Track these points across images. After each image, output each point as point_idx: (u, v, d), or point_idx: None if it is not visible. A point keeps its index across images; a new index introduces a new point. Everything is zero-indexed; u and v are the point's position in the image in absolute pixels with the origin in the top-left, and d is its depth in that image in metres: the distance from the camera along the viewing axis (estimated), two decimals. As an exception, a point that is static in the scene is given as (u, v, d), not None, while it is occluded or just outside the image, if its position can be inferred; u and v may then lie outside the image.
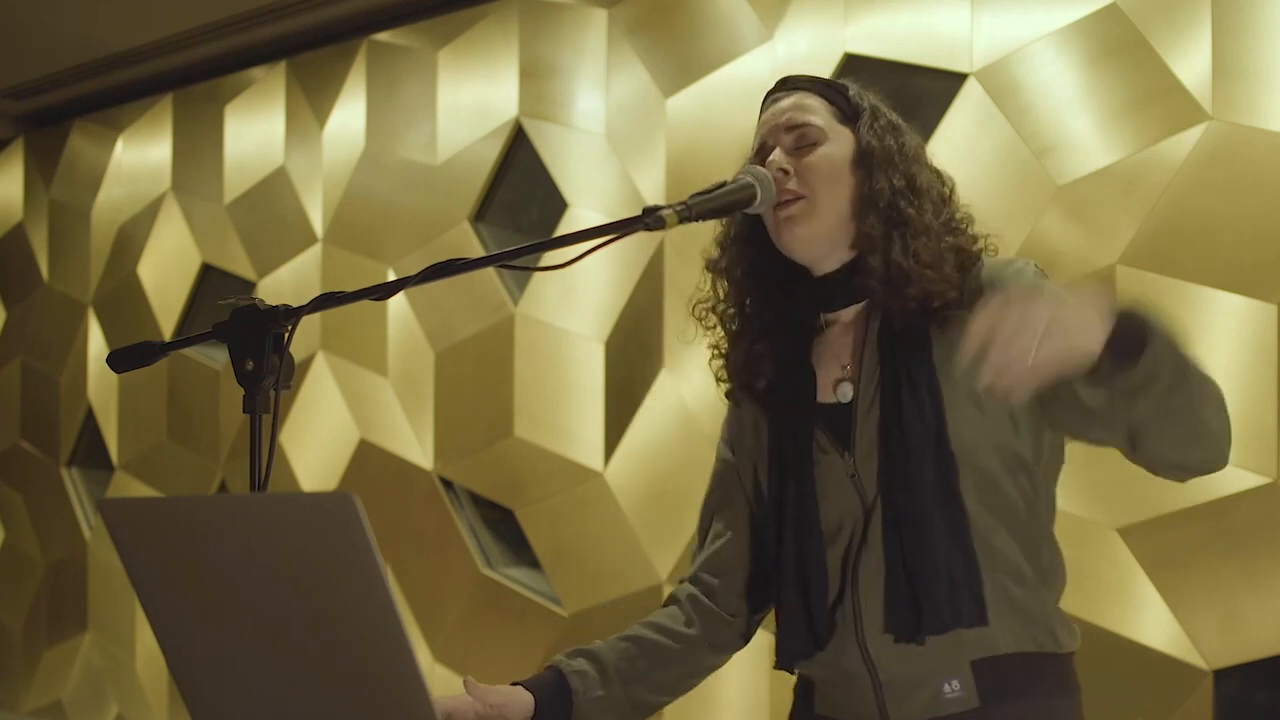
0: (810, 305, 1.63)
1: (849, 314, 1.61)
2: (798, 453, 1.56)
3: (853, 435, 1.54)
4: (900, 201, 1.54)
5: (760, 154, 1.60)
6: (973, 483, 1.49)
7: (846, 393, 1.57)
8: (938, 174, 1.61)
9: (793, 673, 1.63)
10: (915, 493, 1.48)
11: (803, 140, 1.57)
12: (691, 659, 1.66)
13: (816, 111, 1.59)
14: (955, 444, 1.49)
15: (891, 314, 1.54)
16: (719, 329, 1.66)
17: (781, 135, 1.58)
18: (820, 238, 1.56)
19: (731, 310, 1.65)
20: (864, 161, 1.56)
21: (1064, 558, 1.57)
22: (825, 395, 1.59)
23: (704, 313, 1.67)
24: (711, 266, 1.67)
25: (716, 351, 1.67)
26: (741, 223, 1.65)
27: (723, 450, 1.72)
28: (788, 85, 1.64)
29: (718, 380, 1.68)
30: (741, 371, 1.63)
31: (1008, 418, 1.51)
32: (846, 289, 1.59)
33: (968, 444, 1.49)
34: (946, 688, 1.49)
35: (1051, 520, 1.58)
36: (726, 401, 1.70)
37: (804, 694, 1.64)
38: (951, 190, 1.61)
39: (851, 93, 1.61)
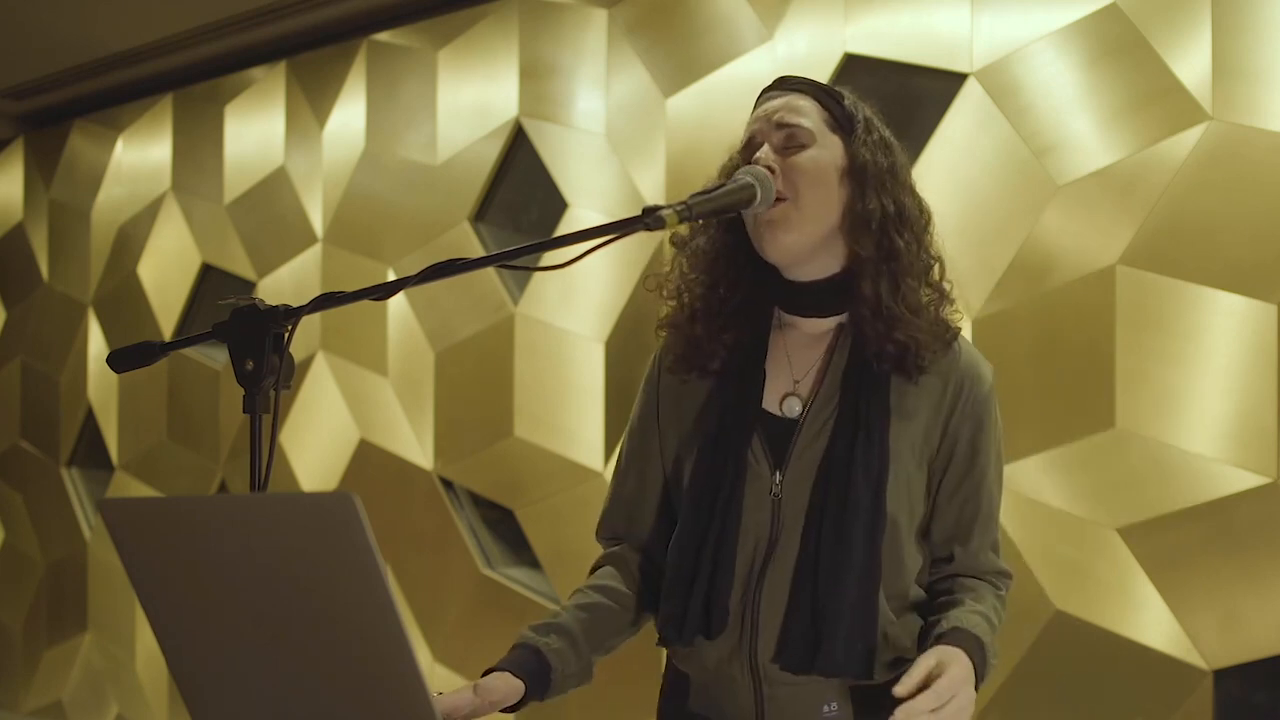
0: (774, 302, 1.63)
1: (815, 326, 1.62)
2: (734, 455, 1.57)
3: (788, 456, 1.56)
4: (891, 230, 1.56)
5: (748, 149, 1.60)
6: (887, 542, 1.54)
7: (793, 408, 1.58)
8: (920, 203, 1.62)
9: (673, 659, 1.66)
10: (844, 541, 1.51)
11: (791, 141, 1.57)
12: (632, 615, 1.69)
13: (808, 114, 1.58)
14: (888, 504, 1.53)
15: (868, 353, 1.56)
16: (674, 303, 1.66)
17: (771, 133, 1.58)
18: (801, 247, 1.56)
19: (699, 290, 1.64)
20: (855, 175, 1.56)
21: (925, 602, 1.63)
22: (769, 403, 1.59)
23: (662, 285, 1.67)
24: (680, 244, 1.67)
25: (665, 323, 1.66)
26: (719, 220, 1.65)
27: (646, 401, 1.72)
28: (783, 84, 1.64)
29: (666, 351, 1.68)
30: (699, 352, 1.63)
31: (924, 488, 1.58)
32: (823, 301, 1.59)
33: (893, 504, 1.54)
34: (825, 709, 1.55)
35: (924, 576, 1.64)
36: (664, 368, 1.69)
37: (676, 688, 1.67)
38: (929, 221, 1.62)
39: (846, 101, 1.61)
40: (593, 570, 1.73)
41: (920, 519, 1.59)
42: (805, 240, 1.55)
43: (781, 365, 1.61)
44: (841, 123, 1.59)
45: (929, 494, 1.60)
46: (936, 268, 1.61)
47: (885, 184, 1.57)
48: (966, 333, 3.10)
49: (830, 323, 1.61)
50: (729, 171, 1.64)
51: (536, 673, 1.55)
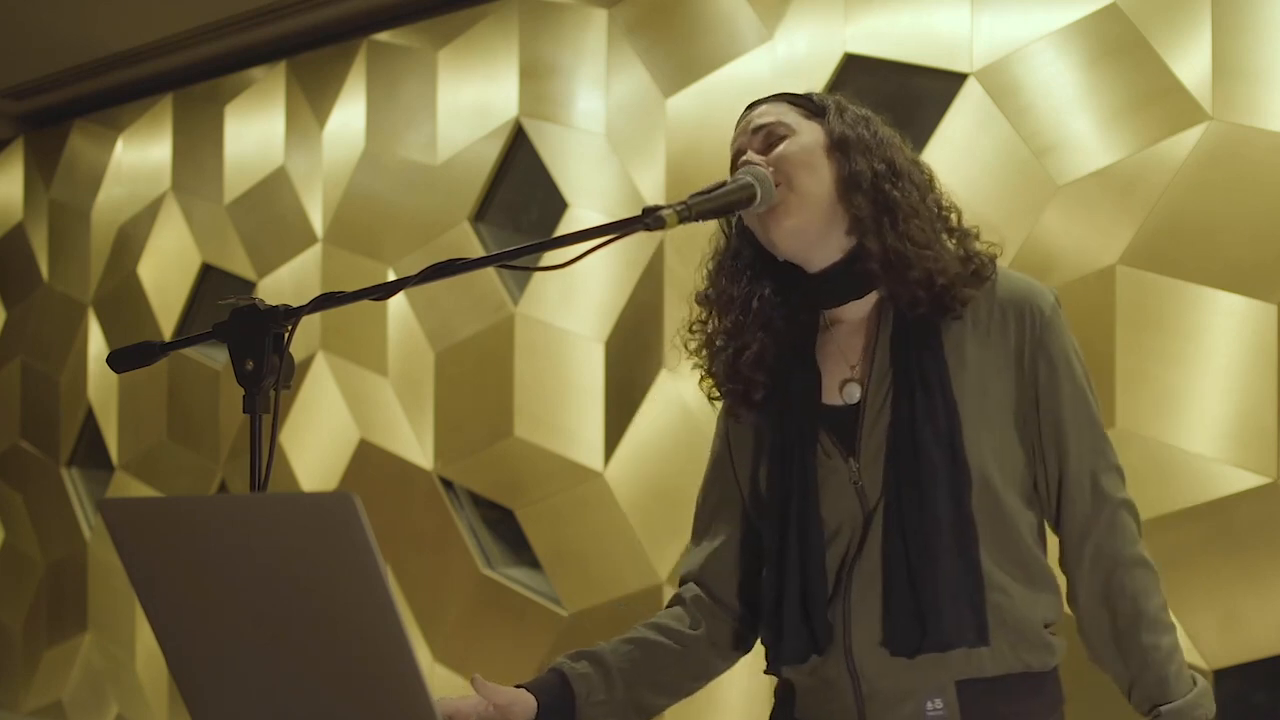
0: (812, 304, 1.61)
1: (857, 312, 1.59)
2: (801, 456, 1.54)
3: (858, 440, 1.53)
4: (884, 184, 1.54)
5: (734, 163, 1.60)
6: (979, 497, 1.48)
7: (854, 394, 1.55)
8: (916, 161, 1.61)
9: (777, 672, 1.62)
10: (927, 505, 1.46)
11: (771, 138, 1.58)
12: (695, 660, 1.65)
13: (781, 114, 1.60)
14: (968, 455, 1.48)
15: (901, 305, 1.53)
16: (703, 352, 1.64)
17: (750, 139, 1.59)
18: (808, 229, 1.54)
19: (717, 329, 1.62)
20: (839, 147, 1.56)
21: (1054, 575, 1.56)
22: (830, 396, 1.57)
23: (688, 340, 1.65)
24: (700, 300, 1.65)
25: (704, 371, 1.64)
26: (725, 250, 1.65)
27: (718, 445, 1.70)
28: (754, 104, 1.65)
29: (710, 399, 1.66)
30: (736, 385, 1.60)
31: (1015, 436, 1.52)
32: (848, 280, 1.57)
33: (977, 456, 1.48)
34: (929, 705, 1.49)
35: (1042, 541, 1.58)
36: (727, 414, 1.67)
37: (784, 698, 1.63)
38: (932, 178, 1.60)
39: (815, 95, 1.63)
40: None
41: (1022, 471, 1.53)
42: (809, 222, 1.54)
43: (835, 359, 1.59)
44: (814, 111, 1.60)
45: (1031, 442, 1.53)
46: (954, 216, 1.58)
47: (870, 147, 1.56)
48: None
49: (870, 303, 1.58)
50: None
51: (558, 695, 1.53)
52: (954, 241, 1.56)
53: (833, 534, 1.53)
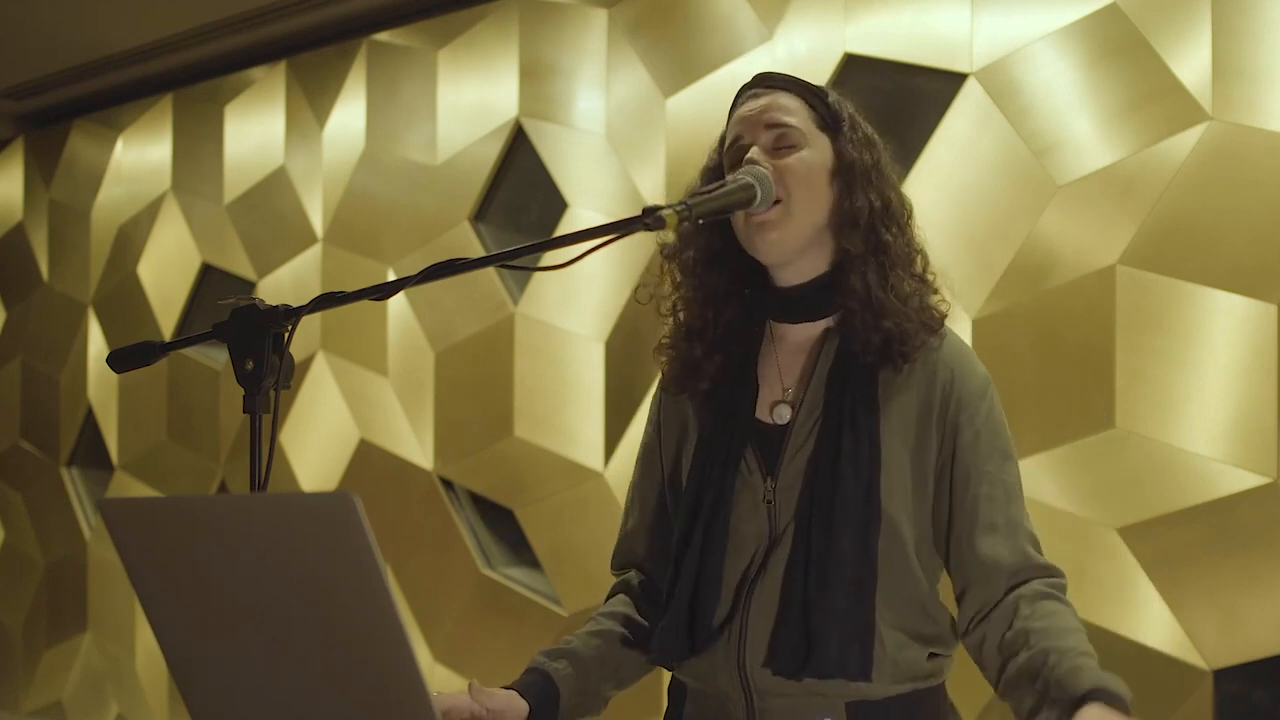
0: (765, 313, 1.62)
1: (805, 333, 1.60)
2: (723, 465, 1.56)
3: (779, 462, 1.54)
4: (879, 224, 1.55)
5: (735, 150, 1.58)
6: (886, 540, 1.50)
7: (784, 415, 1.57)
8: (902, 197, 1.61)
9: (670, 669, 1.64)
10: (834, 539, 1.48)
11: (782, 141, 1.56)
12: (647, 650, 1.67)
13: (796, 113, 1.57)
14: (882, 499, 1.50)
15: (854, 344, 1.54)
16: (670, 321, 1.65)
17: (760, 132, 1.57)
18: (791, 245, 1.55)
19: (694, 309, 1.62)
20: (843, 174, 1.56)
21: (946, 612, 1.58)
22: (762, 412, 1.58)
23: (657, 301, 1.66)
24: (671, 255, 1.64)
25: (666, 344, 1.65)
26: (701, 239, 1.63)
27: (649, 432, 1.71)
28: (765, 82, 1.62)
29: (664, 372, 1.67)
30: (688, 372, 1.62)
31: (929, 494, 1.54)
32: (813, 303, 1.58)
33: (891, 505, 1.50)
34: None
35: (937, 589, 1.59)
36: (662, 388, 1.68)
37: (677, 698, 1.64)
38: (910, 214, 1.61)
39: (830, 99, 1.60)
40: (607, 598, 1.72)
41: (924, 529, 1.54)
42: (794, 240, 1.55)
43: (773, 374, 1.60)
44: (828, 121, 1.58)
45: (938, 500, 1.54)
46: (919, 259, 1.59)
47: (871, 180, 1.56)
48: (966, 332, 3.10)
49: (818, 328, 1.59)
50: (710, 172, 1.64)
51: (544, 696, 1.54)
52: (914, 284, 1.56)
53: (738, 547, 1.55)
